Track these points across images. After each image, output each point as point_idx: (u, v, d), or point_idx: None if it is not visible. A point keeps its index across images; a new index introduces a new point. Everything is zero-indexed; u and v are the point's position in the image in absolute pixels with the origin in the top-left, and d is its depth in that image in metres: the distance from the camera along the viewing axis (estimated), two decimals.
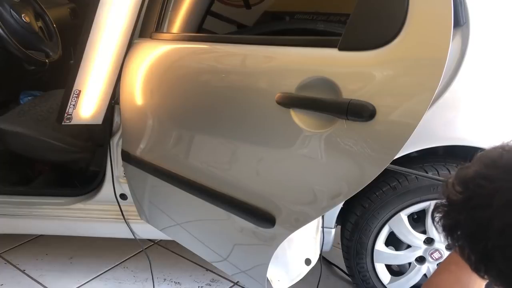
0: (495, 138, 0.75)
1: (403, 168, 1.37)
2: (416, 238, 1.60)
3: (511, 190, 0.63)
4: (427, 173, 1.48)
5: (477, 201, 0.66)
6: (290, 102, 1.18)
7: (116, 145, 1.73)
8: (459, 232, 0.69)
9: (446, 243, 0.74)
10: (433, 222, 0.74)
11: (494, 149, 0.70)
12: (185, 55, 1.53)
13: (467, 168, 0.71)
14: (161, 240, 2.24)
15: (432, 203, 1.50)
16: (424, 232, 1.61)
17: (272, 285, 1.52)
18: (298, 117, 1.17)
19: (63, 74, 1.86)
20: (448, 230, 0.71)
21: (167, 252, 2.19)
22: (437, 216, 0.73)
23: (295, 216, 1.26)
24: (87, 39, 1.47)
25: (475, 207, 0.66)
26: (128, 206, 1.79)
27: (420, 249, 1.64)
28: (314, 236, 1.56)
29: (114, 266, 2.09)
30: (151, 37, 1.59)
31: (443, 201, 0.72)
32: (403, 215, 1.58)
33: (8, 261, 2.12)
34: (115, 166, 1.75)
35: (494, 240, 0.63)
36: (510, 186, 0.63)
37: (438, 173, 1.47)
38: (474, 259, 0.68)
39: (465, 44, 1.30)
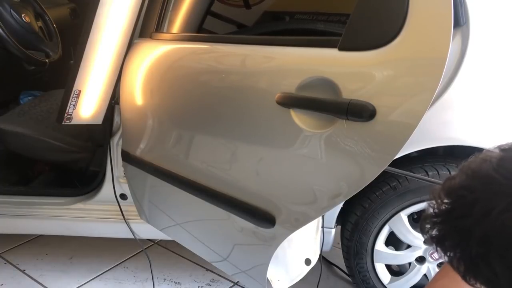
0: (495, 139, 0.75)
1: (400, 170, 1.37)
2: (416, 238, 1.60)
3: (489, 200, 0.65)
4: (427, 173, 1.48)
5: (459, 211, 0.68)
6: (290, 102, 1.18)
7: (116, 145, 1.73)
8: (446, 243, 0.71)
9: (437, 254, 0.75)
10: (422, 234, 0.76)
11: (475, 159, 0.72)
12: (185, 55, 1.53)
13: (453, 178, 0.72)
14: (161, 240, 2.24)
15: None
16: None
17: (272, 285, 1.52)
18: (298, 117, 1.17)
19: (63, 74, 1.86)
20: (437, 241, 0.73)
21: (167, 252, 2.19)
22: (426, 227, 0.74)
23: (295, 216, 1.26)
24: (87, 39, 1.47)
25: (458, 217, 0.68)
26: (128, 206, 1.79)
27: (420, 249, 1.64)
28: (314, 236, 1.56)
29: (114, 266, 2.09)
30: (151, 37, 1.59)
31: (431, 211, 0.74)
32: (403, 215, 1.58)
33: (8, 261, 2.12)
34: (115, 166, 1.75)
35: (476, 249, 0.65)
36: (488, 196, 0.65)
37: (438, 173, 1.47)
38: (462, 268, 0.69)
39: (465, 44, 1.30)
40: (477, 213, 0.65)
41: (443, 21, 0.97)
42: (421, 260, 1.67)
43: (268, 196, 1.30)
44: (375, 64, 1.06)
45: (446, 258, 0.72)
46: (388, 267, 1.74)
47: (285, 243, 1.35)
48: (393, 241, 1.66)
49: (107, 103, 1.65)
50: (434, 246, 0.74)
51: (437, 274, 1.02)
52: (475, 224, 0.65)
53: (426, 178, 1.44)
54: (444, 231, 0.71)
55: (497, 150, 0.70)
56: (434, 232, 0.73)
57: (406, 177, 1.50)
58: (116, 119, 1.71)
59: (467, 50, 1.30)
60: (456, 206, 0.69)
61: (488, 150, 0.72)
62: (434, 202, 0.73)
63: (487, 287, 0.68)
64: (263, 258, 1.38)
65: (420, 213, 1.60)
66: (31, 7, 2.01)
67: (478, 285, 0.70)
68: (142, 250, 2.05)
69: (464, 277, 0.70)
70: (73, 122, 1.62)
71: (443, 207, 0.71)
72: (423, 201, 1.53)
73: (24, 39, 1.85)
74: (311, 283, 1.77)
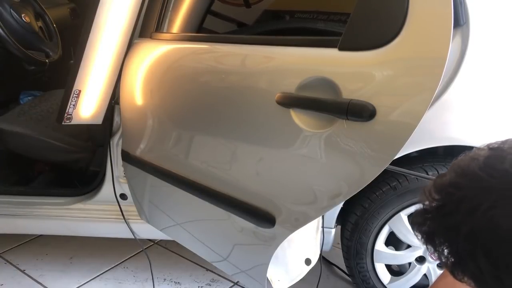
0: (495, 139, 0.75)
1: (402, 169, 1.37)
2: (416, 238, 1.60)
3: (475, 197, 0.67)
4: (427, 173, 1.48)
5: (448, 208, 0.70)
6: (290, 102, 1.18)
7: (116, 145, 1.73)
8: (435, 239, 0.73)
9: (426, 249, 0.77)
10: (413, 230, 0.78)
11: (465, 157, 0.73)
12: (185, 55, 1.52)
13: (443, 176, 0.74)
14: (161, 240, 2.24)
15: None
16: None
17: (272, 285, 1.52)
18: (298, 117, 1.17)
19: (63, 74, 1.86)
20: (426, 237, 0.75)
21: (167, 252, 2.20)
22: (416, 223, 0.76)
23: (295, 216, 1.26)
24: (87, 39, 1.47)
25: (446, 214, 0.70)
26: (128, 206, 1.79)
27: (420, 249, 1.64)
28: (314, 236, 1.56)
29: (114, 266, 2.09)
30: (151, 37, 1.59)
31: (421, 208, 0.76)
32: (403, 215, 1.58)
33: (8, 261, 2.12)
34: (115, 166, 1.75)
35: (463, 245, 0.67)
36: (475, 194, 0.67)
37: (438, 173, 1.47)
38: (450, 264, 0.71)
39: (465, 44, 1.30)
40: (464, 210, 0.67)
41: (443, 21, 0.97)
42: (421, 260, 1.67)
43: (268, 196, 1.30)
44: (375, 64, 1.06)
45: (436, 254, 0.74)
46: (388, 267, 1.74)
47: (285, 243, 1.35)
48: (393, 241, 1.66)
49: (107, 103, 1.65)
50: (424, 242, 0.75)
51: (444, 271, 1.03)
52: (462, 221, 0.67)
53: (427, 176, 1.44)
54: (434, 227, 0.73)
55: (486, 149, 0.72)
56: (424, 228, 0.75)
57: (406, 177, 1.51)
58: (116, 119, 1.71)
59: (467, 50, 1.30)
60: (445, 203, 0.71)
61: (478, 148, 0.74)
62: (424, 198, 0.75)
63: (474, 282, 0.70)
64: (263, 258, 1.38)
65: None
66: (31, 7, 2.01)
67: (465, 280, 0.72)
68: (142, 250, 2.05)
69: (452, 272, 0.72)
70: (73, 122, 1.62)
71: (434, 204, 0.73)
72: None
73: (24, 39, 1.86)
74: (311, 283, 1.77)
